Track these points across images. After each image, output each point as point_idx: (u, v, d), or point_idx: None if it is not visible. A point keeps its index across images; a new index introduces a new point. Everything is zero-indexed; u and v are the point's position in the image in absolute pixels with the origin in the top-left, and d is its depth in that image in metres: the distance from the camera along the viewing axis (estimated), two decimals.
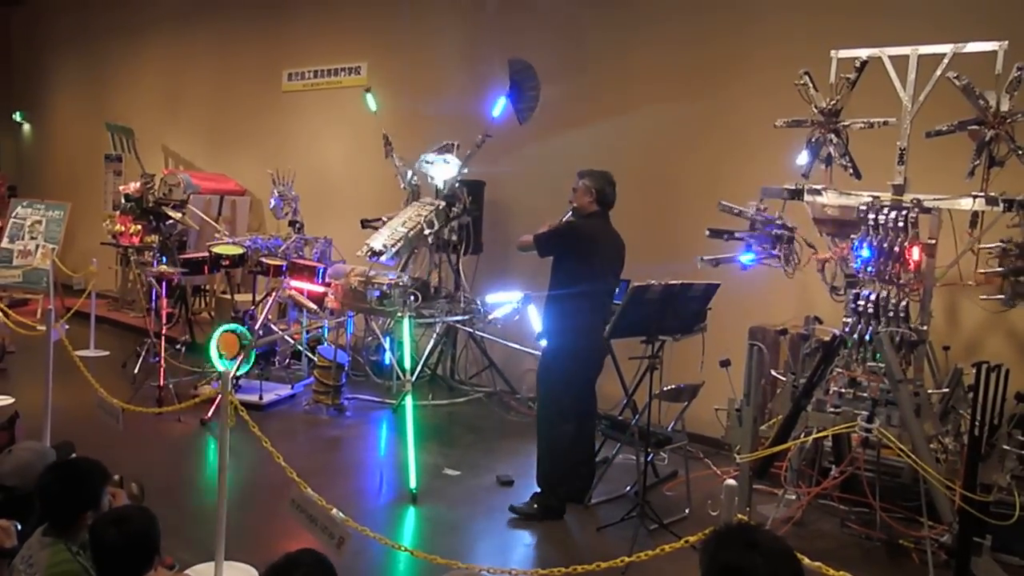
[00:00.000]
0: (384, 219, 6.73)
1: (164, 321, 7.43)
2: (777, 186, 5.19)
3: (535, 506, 5.25)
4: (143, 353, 7.84)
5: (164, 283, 7.36)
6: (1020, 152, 4.41)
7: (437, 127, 8.17)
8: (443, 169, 6.84)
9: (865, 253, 4.74)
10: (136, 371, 7.70)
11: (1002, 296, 4.57)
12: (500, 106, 6.83)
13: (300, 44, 10.35)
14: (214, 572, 4.10)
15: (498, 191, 7.95)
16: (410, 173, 7.28)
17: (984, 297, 4.71)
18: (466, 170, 6.90)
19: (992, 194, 4.47)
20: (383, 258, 6.02)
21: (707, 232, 5.29)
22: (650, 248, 6.86)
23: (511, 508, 5.28)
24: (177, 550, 4.20)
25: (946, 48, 4.59)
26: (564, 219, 5.37)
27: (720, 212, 5.27)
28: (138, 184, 9.66)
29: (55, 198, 12.24)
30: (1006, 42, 4.43)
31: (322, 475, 5.56)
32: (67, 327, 6.56)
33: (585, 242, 5.21)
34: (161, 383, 7.06)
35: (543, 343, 5.46)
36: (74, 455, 4.04)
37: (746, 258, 5.22)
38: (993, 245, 4.57)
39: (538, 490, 5.31)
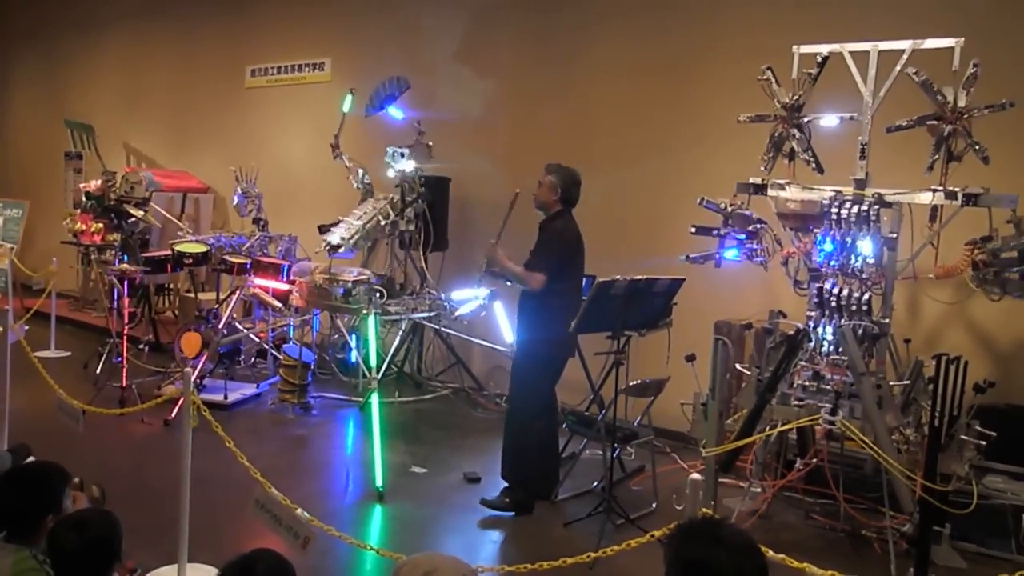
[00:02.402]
0: (340, 220, 6.72)
1: (127, 321, 7.33)
2: (739, 180, 5.23)
3: (506, 500, 5.27)
4: (105, 353, 7.73)
5: (126, 282, 7.26)
6: (977, 147, 4.48)
7: (399, 124, 8.13)
8: (407, 162, 6.85)
9: (828, 247, 4.79)
10: (98, 372, 7.58)
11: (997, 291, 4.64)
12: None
13: (263, 40, 10.26)
14: (177, 575, 4.05)
15: (463, 187, 7.93)
16: (361, 172, 7.29)
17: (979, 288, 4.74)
18: (417, 161, 6.87)
19: (951, 188, 4.53)
20: (341, 251, 6.03)
21: (692, 229, 5.31)
22: (615, 243, 6.89)
23: (482, 501, 5.28)
24: (139, 553, 4.15)
25: (905, 44, 4.64)
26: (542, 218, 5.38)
27: (698, 208, 5.29)
28: (99, 182, 9.51)
29: (13, 196, 12.03)
30: (962, 39, 4.49)
31: (288, 474, 5.52)
32: (26, 328, 6.44)
33: (574, 245, 5.29)
34: (124, 384, 6.96)
35: (517, 338, 5.45)
36: (31, 458, 3.98)
37: (731, 254, 5.25)
38: (974, 245, 4.63)
39: (506, 485, 5.33)
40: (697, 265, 5.36)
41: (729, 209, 5.22)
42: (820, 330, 4.84)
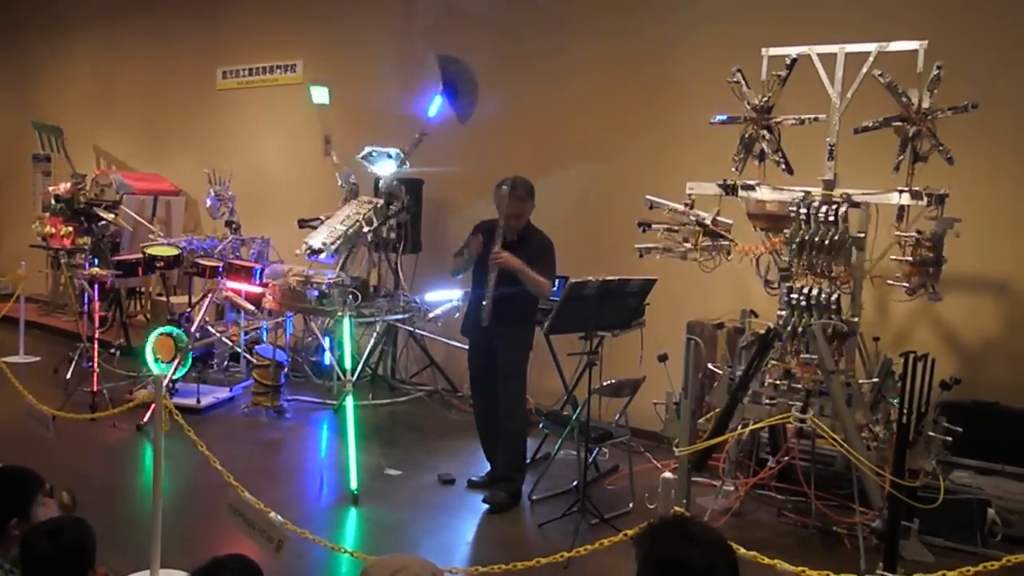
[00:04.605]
0: (322, 218, 6.68)
1: (97, 325, 7.26)
2: (707, 180, 5.25)
3: (505, 495, 5.34)
4: (75, 358, 7.64)
5: (97, 286, 7.19)
6: (941, 148, 4.55)
7: (373, 126, 8.12)
8: (386, 165, 6.83)
9: (797, 247, 4.80)
10: (68, 377, 7.50)
11: (907, 284, 4.69)
12: (436, 105, 6.83)
13: (235, 42, 10.20)
14: None
15: (437, 190, 7.93)
16: (348, 172, 7.25)
17: (891, 282, 4.82)
18: (406, 167, 6.86)
19: (916, 188, 4.60)
20: (322, 256, 5.99)
21: (637, 224, 5.37)
22: (587, 244, 6.92)
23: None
24: (111, 559, 4.11)
25: (871, 47, 4.71)
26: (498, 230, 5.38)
27: (648, 207, 5.36)
28: (68, 185, 9.41)
29: None
30: (926, 41, 4.56)
31: (261, 478, 5.49)
32: None
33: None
34: (95, 388, 6.89)
35: (506, 339, 5.43)
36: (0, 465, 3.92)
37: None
38: (908, 234, 4.69)
39: (498, 481, 5.46)
40: (671, 266, 5.40)
41: (681, 210, 5.27)
42: (791, 329, 4.89)
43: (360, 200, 6.65)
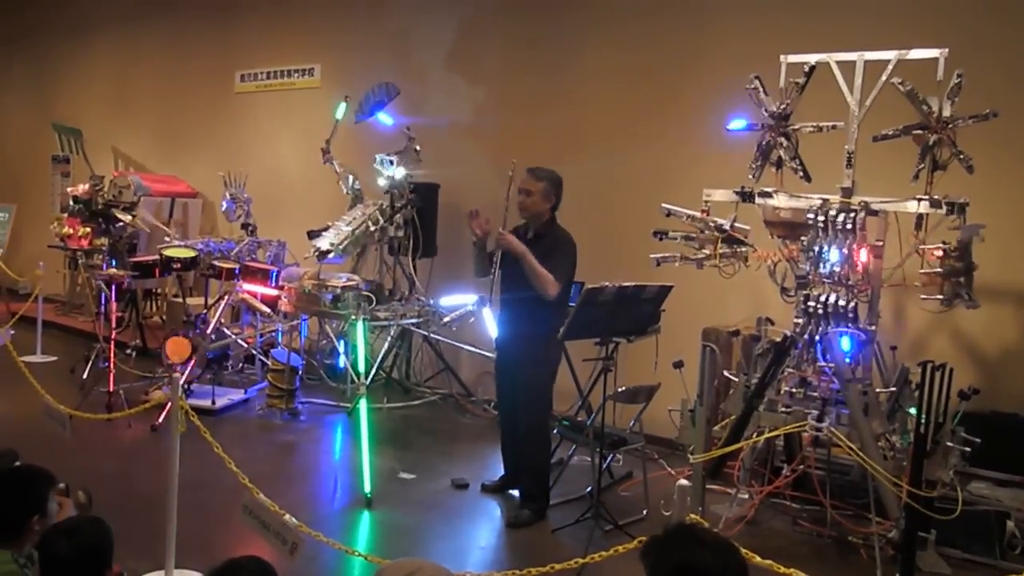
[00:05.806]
0: (329, 225, 6.74)
1: (114, 325, 7.30)
2: (726, 188, 5.23)
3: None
4: (92, 358, 7.69)
5: (114, 287, 7.24)
6: (962, 156, 4.52)
7: (390, 131, 8.13)
8: (392, 167, 6.90)
9: (834, 256, 4.78)
10: (85, 377, 7.54)
11: (941, 296, 4.65)
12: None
13: (253, 45, 10.25)
14: None
15: (453, 194, 7.94)
16: (351, 178, 7.32)
17: (924, 296, 4.77)
18: (407, 166, 6.89)
19: (936, 197, 4.57)
20: (331, 256, 6.03)
21: (652, 233, 5.36)
22: (604, 249, 6.90)
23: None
24: (126, 559, 4.11)
25: (890, 55, 4.68)
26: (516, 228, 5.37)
27: (666, 214, 5.34)
28: (87, 186, 9.48)
29: (0, 200, 11.96)
30: (947, 49, 4.53)
31: (275, 480, 5.50)
32: (12, 332, 6.41)
33: (576, 253, 5.29)
34: (111, 388, 6.92)
35: (525, 351, 5.33)
36: (18, 463, 3.96)
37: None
38: (934, 246, 4.66)
39: (522, 496, 5.39)
40: (687, 273, 5.38)
41: (699, 217, 5.25)
42: (807, 337, 4.86)
43: (366, 203, 6.74)
